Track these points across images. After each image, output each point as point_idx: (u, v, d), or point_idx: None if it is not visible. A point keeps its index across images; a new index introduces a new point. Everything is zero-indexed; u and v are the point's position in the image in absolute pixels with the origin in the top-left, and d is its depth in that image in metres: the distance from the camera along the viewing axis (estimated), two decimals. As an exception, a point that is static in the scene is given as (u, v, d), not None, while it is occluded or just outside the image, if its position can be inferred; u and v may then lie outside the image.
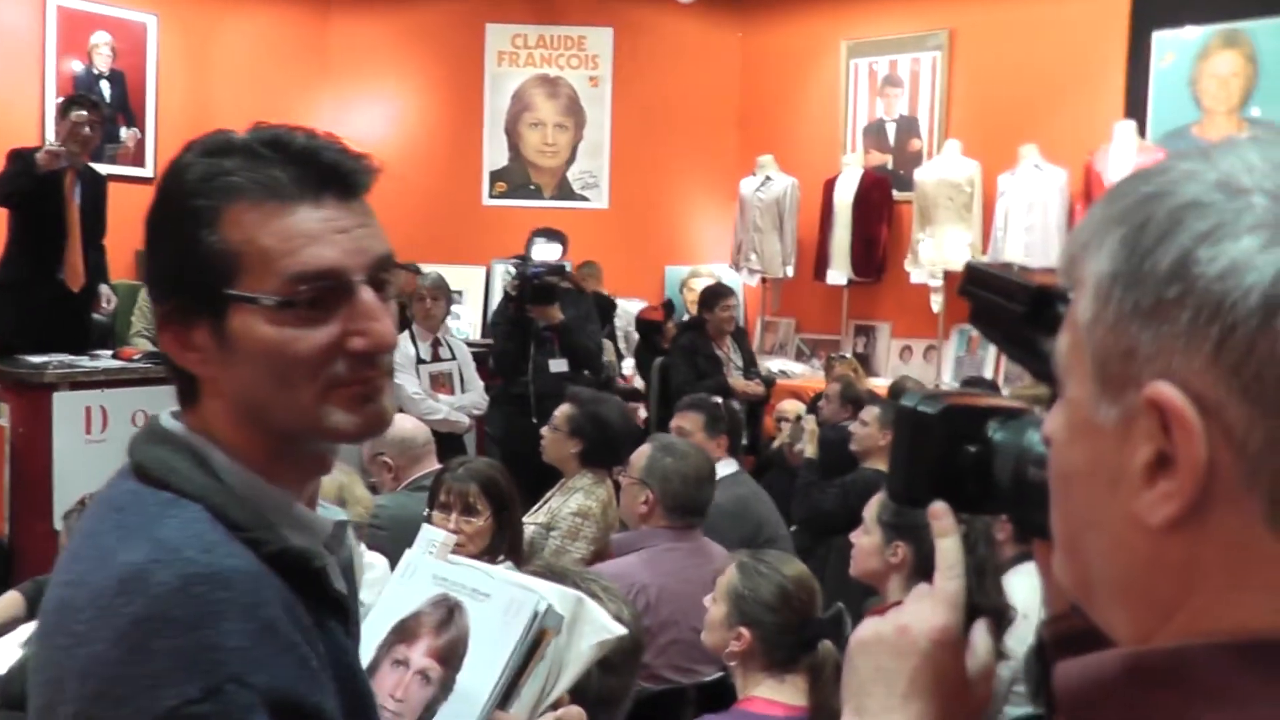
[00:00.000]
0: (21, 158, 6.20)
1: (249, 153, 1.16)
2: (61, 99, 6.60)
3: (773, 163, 9.62)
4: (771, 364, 9.07)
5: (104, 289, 6.69)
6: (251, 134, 1.18)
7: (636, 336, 8.85)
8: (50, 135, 6.56)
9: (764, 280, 9.84)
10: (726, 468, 4.88)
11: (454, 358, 6.72)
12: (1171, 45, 7.91)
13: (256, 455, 1.18)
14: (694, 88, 10.46)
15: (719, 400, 5.46)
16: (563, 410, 4.94)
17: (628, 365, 8.76)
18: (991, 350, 8.52)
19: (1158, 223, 0.69)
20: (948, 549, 1.03)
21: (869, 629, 1.03)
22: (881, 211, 9.12)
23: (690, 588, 3.53)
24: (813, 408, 6.64)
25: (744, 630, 2.87)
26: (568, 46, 10.56)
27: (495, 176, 10.63)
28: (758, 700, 2.84)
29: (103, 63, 9.27)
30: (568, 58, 10.57)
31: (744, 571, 2.94)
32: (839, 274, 9.23)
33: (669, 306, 9.26)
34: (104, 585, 1.05)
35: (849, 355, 8.67)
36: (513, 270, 6.84)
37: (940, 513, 1.04)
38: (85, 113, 6.42)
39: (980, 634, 1.04)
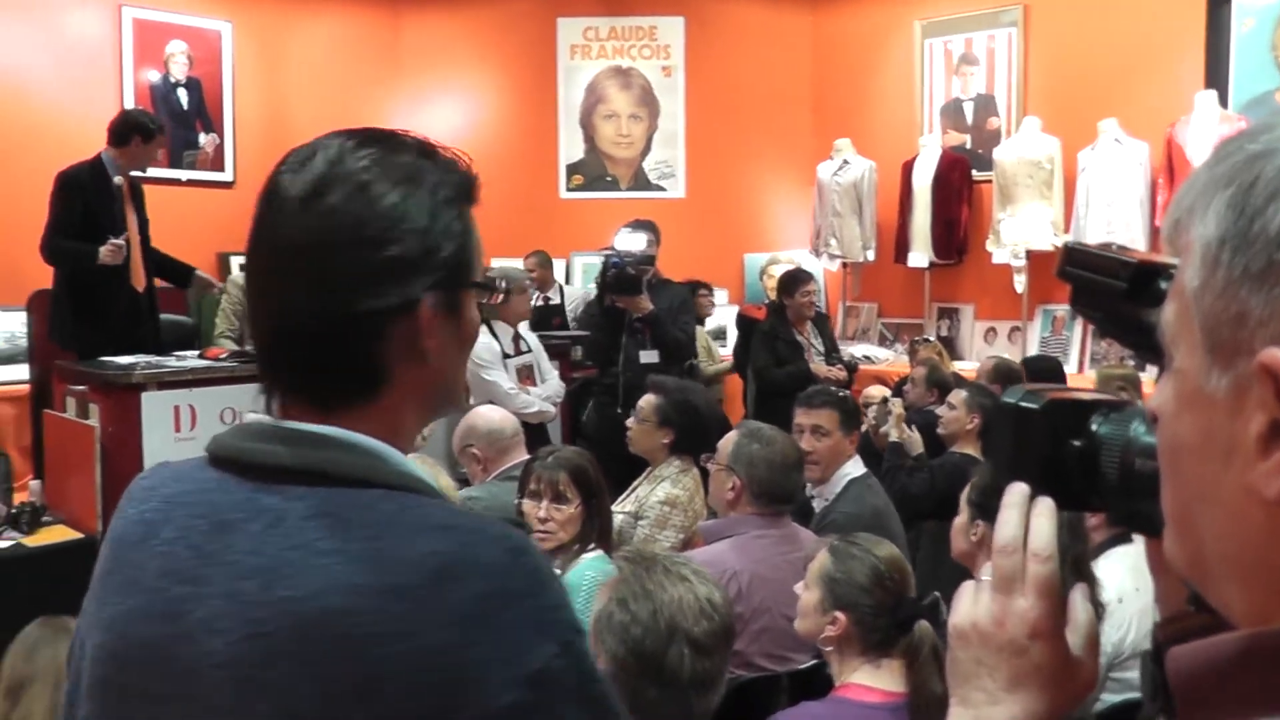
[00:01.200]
0: (73, 188, 6.35)
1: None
2: (122, 115, 6.66)
3: (849, 146, 9.55)
4: (854, 349, 9.01)
5: (199, 273, 6.81)
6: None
7: None
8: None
9: (844, 265, 9.78)
10: (855, 468, 4.62)
11: (530, 350, 6.73)
12: (1251, 10, 7.74)
13: (408, 442, 1.24)
14: (767, 73, 10.40)
15: (845, 392, 5.24)
16: (648, 401, 4.90)
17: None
18: (1077, 331, 8.41)
19: (1267, 181, 0.67)
20: (1041, 530, 1.00)
21: (965, 619, 1.01)
22: (961, 192, 9.02)
23: (781, 574, 3.50)
24: (898, 392, 6.57)
25: (839, 614, 2.83)
26: (639, 37, 10.55)
27: (571, 169, 10.66)
28: (855, 686, 2.80)
29: (179, 71, 9.41)
30: (639, 48, 10.56)
31: (836, 555, 2.90)
32: (920, 256, 9.14)
33: (774, 307, 9.18)
34: (406, 582, 1.05)
35: (933, 339, 8.58)
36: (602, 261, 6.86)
37: (1018, 497, 1.01)
38: (159, 136, 6.60)
39: (1079, 605, 1.02)
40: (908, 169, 9.19)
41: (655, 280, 6.84)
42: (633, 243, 6.78)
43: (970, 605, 1.01)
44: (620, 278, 6.60)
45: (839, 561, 2.89)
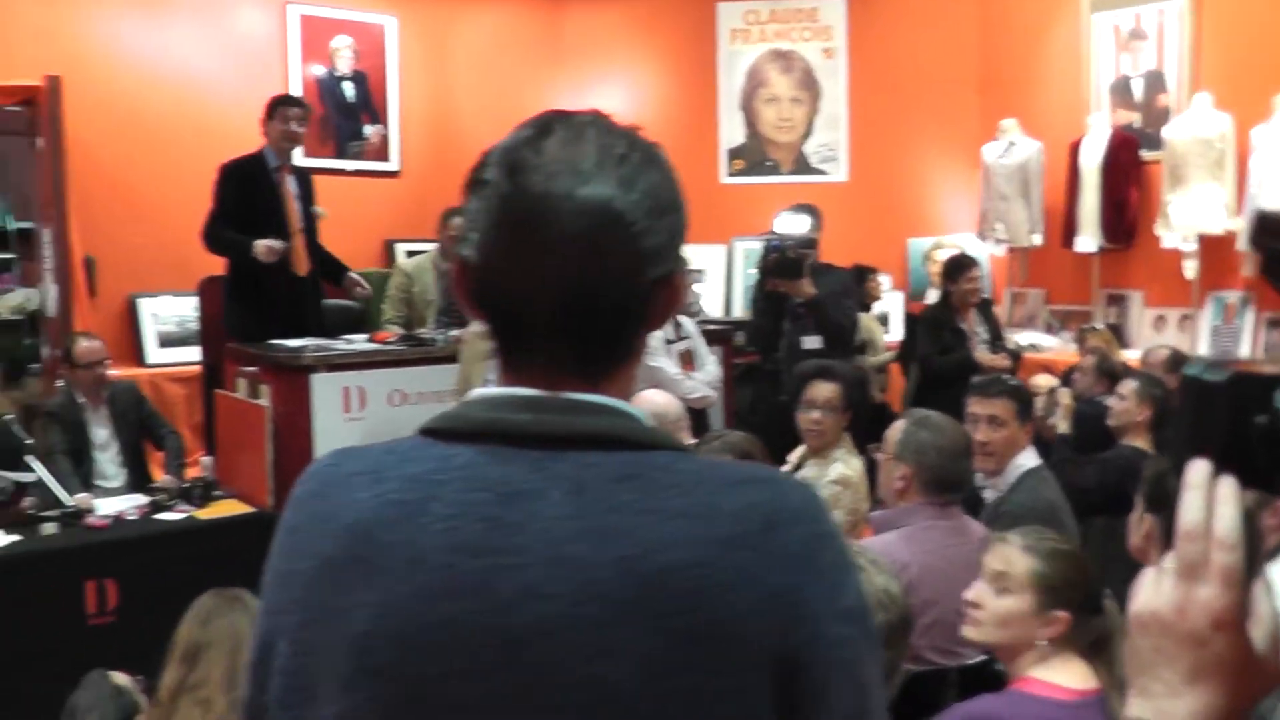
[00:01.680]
0: (232, 179, 6.59)
1: None
2: (272, 100, 6.85)
3: (1016, 127, 9.31)
4: (1021, 337, 8.77)
5: (352, 274, 6.93)
6: None
7: None
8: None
9: (1010, 250, 9.55)
10: (1030, 459, 4.46)
11: (688, 335, 6.71)
12: None
13: None
14: (931, 52, 10.19)
15: (1021, 382, 5.07)
16: (834, 390, 4.88)
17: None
18: (1249, 318, 8.09)
19: None
20: (1226, 517, 0.94)
21: (1146, 608, 0.97)
22: (1130, 173, 8.70)
23: (952, 567, 3.44)
24: (1066, 382, 6.41)
25: (1059, 614, 2.79)
26: (800, 19, 10.44)
27: (733, 154, 10.60)
28: (1035, 682, 2.76)
29: (344, 65, 9.61)
30: (800, 30, 10.45)
31: (1046, 556, 2.85)
32: (1088, 240, 8.86)
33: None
34: (739, 532, 1.11)
35: (1101, 326, 8.32)
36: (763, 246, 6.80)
37: (1199, 476, 0.96)
38: (291, 110, 6.74)
39: (1263, 599, 0.96)
40: (1075, 149, 8.92)
41: (817, 264, 6.77)
42: (794, 226, 6.69)
43: (1151, 593, 0.97)
44: (782, 261, 6.51)
45: (1050, 562, 2.85)
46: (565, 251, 1.15)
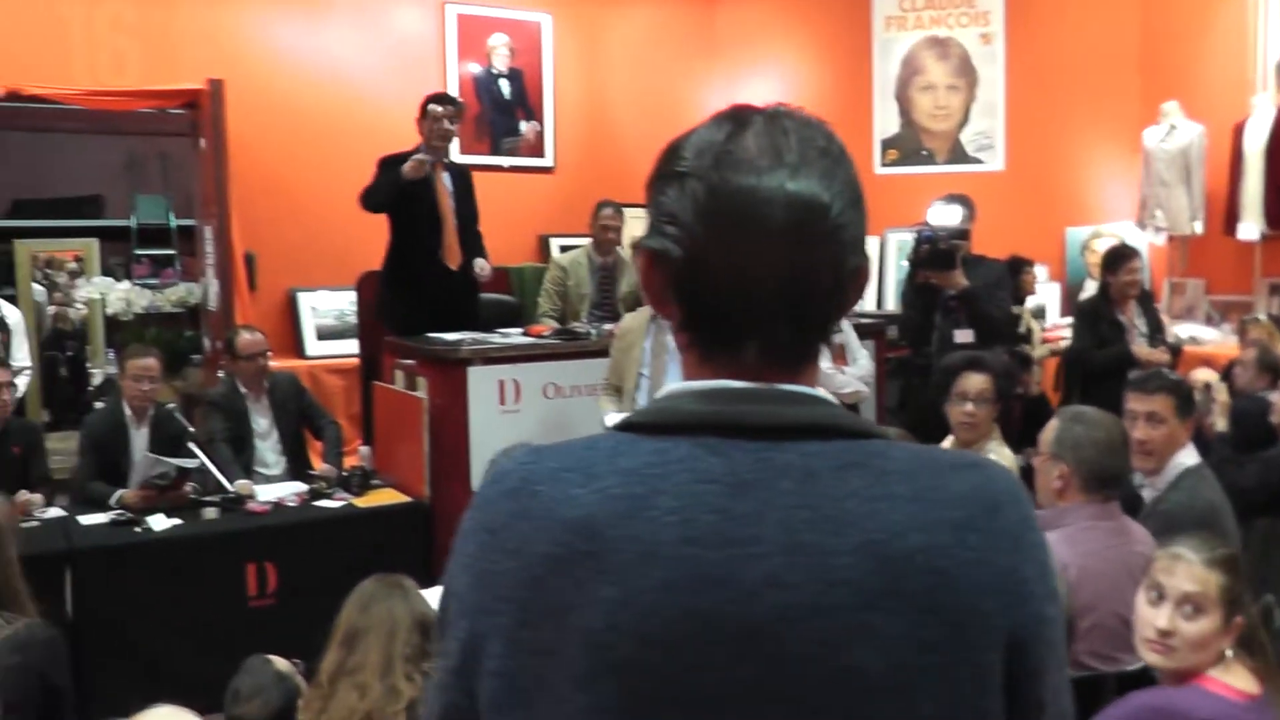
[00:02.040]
0: (390, 166, 6.63)
1: None
2: (425, 99, 6.93)
3: (1178, 109, 9.00)
4: (1180, 329, 8.48)
5: (479, 261, 6.97)
6: None
7: None
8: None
9: (1170, 238, 9.25)
10: (1190, 457, 4.25)
11: (841, 329, 6.61)
12: None
13: None
14: (1091, 34, 9.93)
15: (1182, 377, 4.85)
16: (985, 381, 4.79)
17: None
18: None
19: None
20: None
21: None
22: (1295, 156, 8.38)
23: (1112, 569, 3.35)
24: (1226, 376, 6.16)
25: (1238, 619, 2.75)
26: (957, 5, 10.24)
27: (887, 144, 10.45)
28: (1213, 680, 2.70)
29: (501, 62, 9.73)
30: (957, 16, 10.26)
31: (1227, 567, 2.78)
32: (1251, 227, 8.51)
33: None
34: (966, 515, 1.14)
35: (1263, 318, 7.98)
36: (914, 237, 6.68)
37: None
38: (442, 108, 6.77)
39: None
40: (1238, 132, 8.60)
41: (970, 256, 6.63)
42: (946, 216, 6.55)
43: None
44: (934, 253, 6.38)
45: (1231, 575, 2.79)
46: (777, 244, 1.16)
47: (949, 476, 1.15)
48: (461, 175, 6.99)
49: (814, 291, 1.18)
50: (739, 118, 1.21)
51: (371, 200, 6.67)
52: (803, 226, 1.16)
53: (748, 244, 1.16)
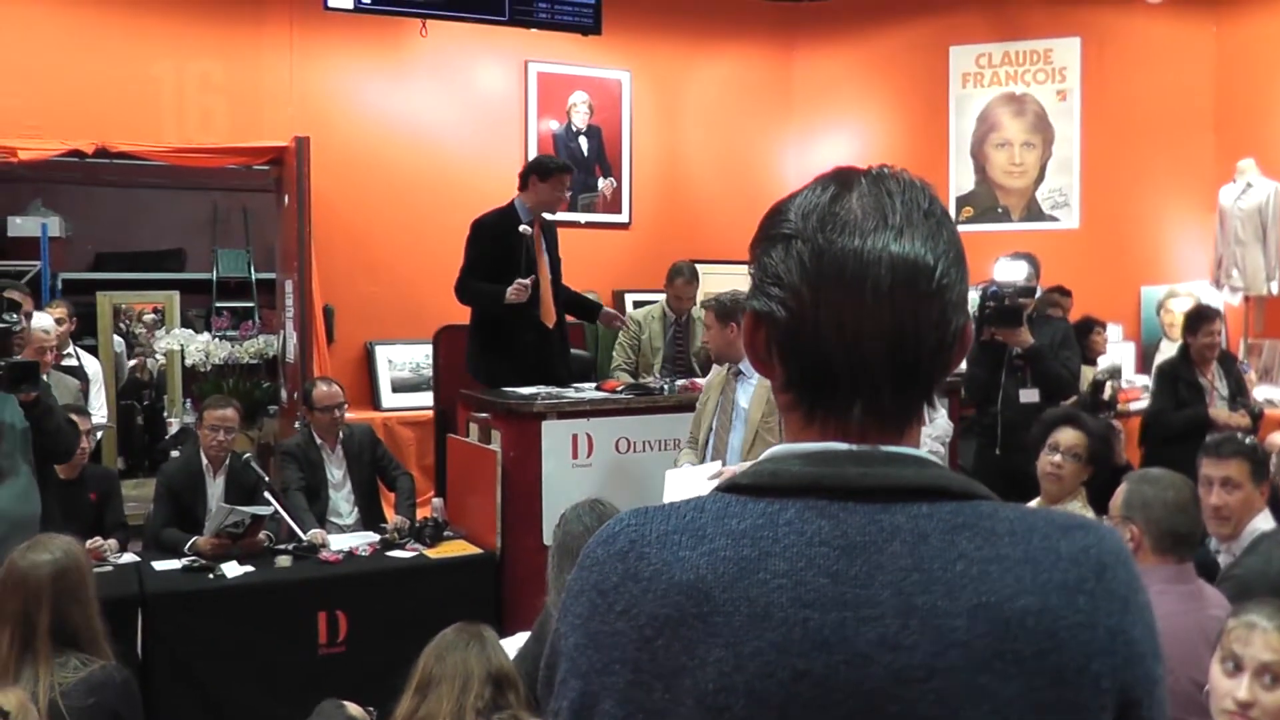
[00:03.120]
0: (485, 234, 6.67)
1: None
2: (538, 158, 6.99)
3: (1253, 167, 8.95)
4: (1259, 391, 8.35)
5: (607, 310, 7.07)
6: None
7: None
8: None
9: (1247, 298, 9.15)
10: (1265, 522, 4.23)
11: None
12: None
13: None
14: (1166, 91, 9.91)
15: (1257, 442, 4.75)
16: (1076, 437, 4.72)
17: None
18: None
19: None
20: None
21: None
22: (1371, 213, 8.28)
23: (1186, 633, 3.29)
24: (1302, 438, 6.04)
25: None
26: (1034, 61, 10.24)
27: (961, 201, 10.42)
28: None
29: (580, 120, 9.84)
30: (1034, 73, 10.24)
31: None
32: (1327, 288, 8.44)
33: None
34: (1076, 577, 1.14)
35: (1340, 380, 7.87)
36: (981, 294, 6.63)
37: None
38: (569, 176, 6.85)
39: None
40: (1313, 190, 8.52)
41: (1037, 314, 6.58)
42: (1012, 272, 6.52)
43: None
44: (1000, 310, 6.34)
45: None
46: (883, 305, 1.17)
47: (1057, 538, 1.15)
48: (550, 231, 7.04)
49: (920, 352, 1.18)
50: (843, 179, 1.23)
51: (469, 301, 6.74)
52: (908, 287, 1.17)
53: (854, 305, 1.17)
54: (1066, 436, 4.71)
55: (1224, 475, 4.21)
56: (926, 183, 1.24)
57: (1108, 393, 7.32)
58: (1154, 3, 9.76)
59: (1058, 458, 4.70)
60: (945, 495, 1.17)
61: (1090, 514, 4.57)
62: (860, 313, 1.17)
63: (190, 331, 8.88)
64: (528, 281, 6.51)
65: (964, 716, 1.09)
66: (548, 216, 6.96)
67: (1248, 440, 4.50)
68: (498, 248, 6.60)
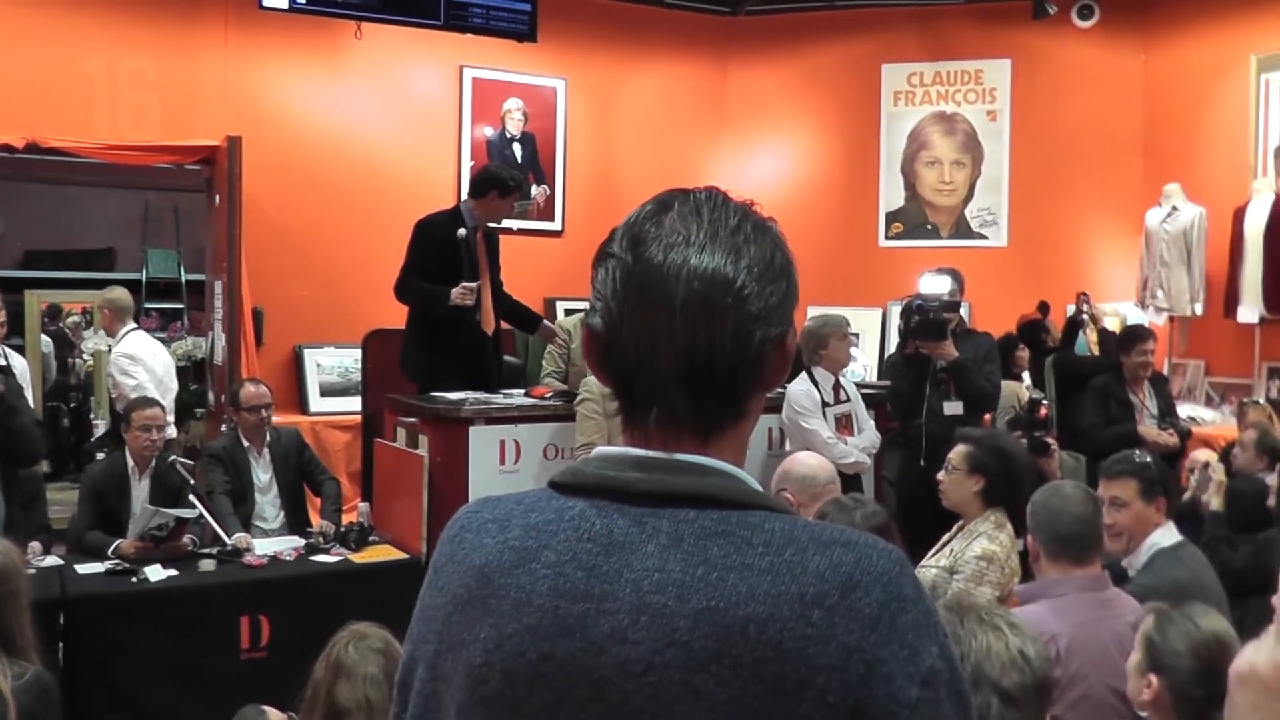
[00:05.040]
0: (431, 237, 6.64)
1: None
2: (483, 169, 6.97)
3: (1179, 191, 9.13)
4: (1180, 410, 8.50)
5: (547, 324, 7.10)
6: None
7: None
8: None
9: (1171, 319, 9.33)
10: (1165, 537, 4.30)
11: (849, 399, 6.64)
12: None
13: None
14: (1095, 115, 10.07)
15: (1148, 458, 4.84)
16: (958, 450, 4.74)
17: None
18: None
19: None
20: None
21: (1246, 664, 0.96)
22: (1295, 241, 8.46)
23: (1101, 640, 3.40)
24: (1226, 457, 6.19)
25: (1153, 678, 2.81)
26: (965, 81, 10.39)
27: (891, 217, 10.55)
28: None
29: (514, 126, 9.86)
30: (965, 93, 10.40)
31: (1160, 619, 2.88)
32: (1250, 310, 8.63)
33: (1044, 307, 9.03)
34: (817, 592, 1.15)
35: (1262, 400, 8.02)
36: (905, 308, 6.71)
37: None
38: (514, 192, 6.82)
39: None
40: (1239, 216, 8.70)
41: (960, 329, 6.67)
42: (936, 287, 6.60)
43: (1253, 652, 0.96)
44: (925, 323, 6.42)
45: (1161, 625, 2.87)
46: (680, 315, 1.22)
47: (813, 553, 1.17)
48: (493, 239, 7.03)
49: (714, 363, 1.23)
50: (664, 201, 1.29)
51: (412, 305, 6.72)
52: (704, 300, 1.22)
53: (650, 317, 1.23)
54: (954, 451, 4.78)
55: (1112, 494, 4.30)
56: (748, 203, 1.30)
57: (1044, 411, 7.45)
58: (1084, 28, 9.93)
59: (942, 473, 4.79)
60: (716, 504, 1.21)
61: (1004, 534, 4.61)
62: (655, 324, 1.23)
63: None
64: (474, 285, 6.52)
65: (676, 712, 1.14)
66: (491, 225, 6.97)
67: (1142, 459, 4.59)
68: (442, 250, 6.59)
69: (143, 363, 7.50)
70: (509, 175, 6.88)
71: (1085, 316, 8.47)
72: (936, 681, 1.17)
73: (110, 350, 7.77)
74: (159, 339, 8.86)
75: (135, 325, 7.80)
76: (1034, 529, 3.76)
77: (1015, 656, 2.37)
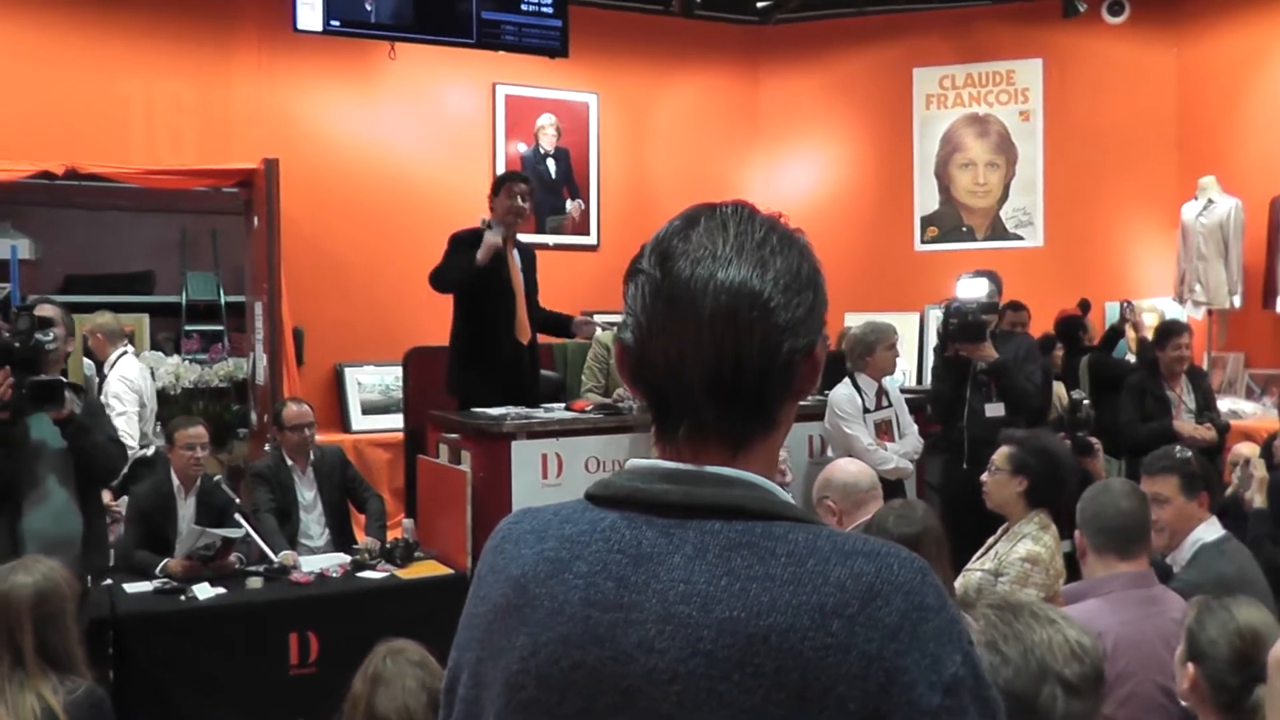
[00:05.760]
0: (463, 244, 6.67)
1: None
2: (497, 176, 7.04)
3: (1215, 184, 9.09)
4: (1221, 403, 8.44)
5: (578, 318, 7.16)
6: None
7: None
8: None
9: (1210, 312, 9.29)
10: (1209, 532, 4.30)
11: (891, 404, 6.63)
12: None
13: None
14: (1128, 111, 10.07)
15: (1189, 454, 4.80)
16: (1001, 452, 4.75)
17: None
18: None
19: None
20: None
21: None
22: (1334, 228, 8.42)
23: (1148, 637, 3.39)
24: (1266, 450, 6.13)
25: (1191, 666, 2.82)
26: (996, 83, 10.38)
27: (926, 221, 10.55)
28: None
29: (548, 142, 9.91)
30: (997, 94, 10.39)
31: (1200, 610, 2.89)
32: (1290, 302, 8.57)
33: (1084, 305, 9.08)
34: (837, 601, 1.17)
35: (1304, 391, 7.99)
36: (944, 311, 6.70)
37: None
38: (522, 185, 6.83)
39: None
40: (1275, 206, 8.67)
41: (999, 330, 6.65)
42: (973, 289, 6.59)
43: None
44: (964, 325, 6.42)
45: (1200, 616, 2.88)
46: (708, 328, 1.24)
47: (835, 563, 1.20)
48: (528, 253, 7.06)
49: (743, 375, 1.25)
50: (691, 216, 1.31)
51: (444, 282, 6.71)
52: (730, 313, 1.24)
53: (679, 330, 1.25)
54: (997, 452, 4.78)
55: (1154, 491, 4.26)
56: (776, 215, 1.32)
57: (1085, 412, 7.41)
58: (1115, 24, 9.90)
59: (985, 474, 4.78)
60: (742, 515, 1.24)
61: (1049, 535, 4.59)
62: (683, 338, 1.25)
63: (160, 354, 8.86)
64: (498, 238, 6.55)
65: (701, 718, 1.17)
66: (523, 239, 7.00)
67: (1183, 454, 4.57)
68: (472, 259, 6.62)
69: (138, 386, 7.57)
70: (503, 175, 6.98)
71: (1128, 325, 8.43)
72: (960, 689, 1.18)
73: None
74: (200, 360, 8.93)
75: (126, 349, 7.86)
76: (1081, 524, 3.75)
77: (1075, 647, 2.37)
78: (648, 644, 1.20)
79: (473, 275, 6.57)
